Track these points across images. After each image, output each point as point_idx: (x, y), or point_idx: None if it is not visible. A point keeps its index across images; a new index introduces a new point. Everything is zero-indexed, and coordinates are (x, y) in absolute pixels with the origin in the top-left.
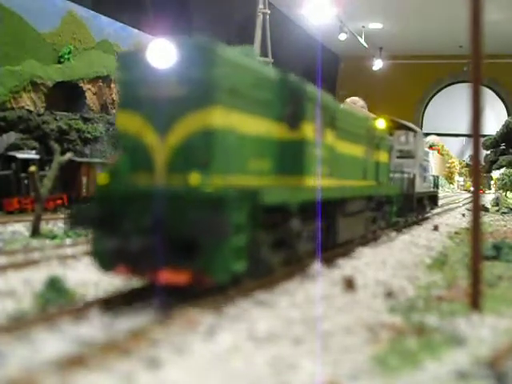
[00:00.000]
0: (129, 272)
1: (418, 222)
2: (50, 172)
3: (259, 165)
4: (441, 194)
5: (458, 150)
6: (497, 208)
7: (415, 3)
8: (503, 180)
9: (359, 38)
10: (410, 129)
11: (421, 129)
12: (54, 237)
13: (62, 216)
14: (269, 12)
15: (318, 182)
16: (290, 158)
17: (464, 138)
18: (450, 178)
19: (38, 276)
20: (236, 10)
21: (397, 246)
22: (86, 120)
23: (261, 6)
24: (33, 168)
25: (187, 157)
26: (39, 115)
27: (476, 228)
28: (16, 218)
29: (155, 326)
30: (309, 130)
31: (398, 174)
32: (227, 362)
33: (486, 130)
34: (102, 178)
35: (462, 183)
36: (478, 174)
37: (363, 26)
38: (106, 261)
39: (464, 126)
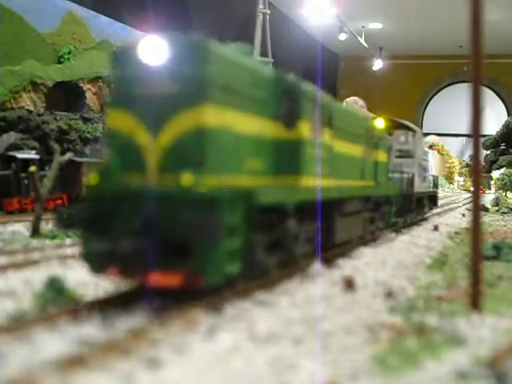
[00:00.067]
0: (120, 274)
1: (417, 222)
2: (50, 172)
3: (254, 164)
4: (441, 194)
5: (457, 149)
6: (497, 208)
7: (415, 3)
8: (503, 180)
9: (359, 38)
10: (409, 128)
11: (421, 129)
12: (53, 237)
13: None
14: (269, 12)
15: (315, 182)
16: (286, 157)
17: (464, 138)
18: (449, 178)
19: (37, 276)
20: (236, 9)
21: (397, 246)
22: (85, 120)
23: (261, 5)
24: (33, 168)
25: (180, 156)
26: (39, 115)
27: (476, 228)
28: (16, 218)
29: (155, 326)
30: (305, 129)
31: (397, 174)
32: (227, 362)
33: (486, 130)
34: (92, 178)
35: (461, 183)
36: (478, 174)
37: (363, 26)
38: (97, 263)
39: (464, 126)
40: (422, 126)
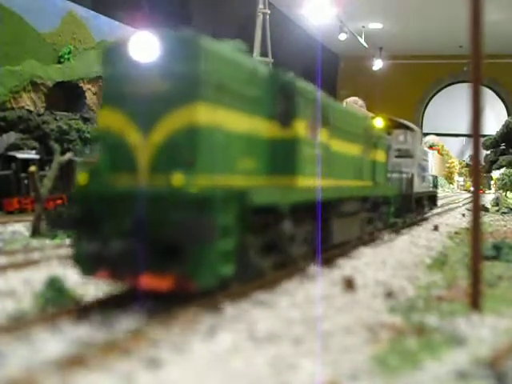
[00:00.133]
0: (110, 277)
1: (417, 223)
2: (50, 172)
3: (248, 164)
4: (441, 194)
5: (457, 149)
6: (497, 208)
7: (415, 3)
8: (503, 180)
9: (359, 38)
10: (408, 128)
11: (421, 129)
12: (54, 237)
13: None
14: (269, 12)
15: (311, 182)
16: (282, 157)
17: (464, 138)
18: (449, 178)
19: (37, 276)
20: (236, 9)
21: (397, 246)
22: (85, 120)
23: (261, 5)
24: (33, 168)
25: (171, 156)
26: (39, 115)
27: (476, 228)
28: (16, 218)
29: (155, 325)
30: (301, 128)
31: (396, 174)
32: (227, 362)
33: (486, 130)
34: (81, 178)
35: (461, 183)
36: (478, 174)
37: (363, 26)
38: (87, 265)
39: (464, 126)
40: (421, 126)
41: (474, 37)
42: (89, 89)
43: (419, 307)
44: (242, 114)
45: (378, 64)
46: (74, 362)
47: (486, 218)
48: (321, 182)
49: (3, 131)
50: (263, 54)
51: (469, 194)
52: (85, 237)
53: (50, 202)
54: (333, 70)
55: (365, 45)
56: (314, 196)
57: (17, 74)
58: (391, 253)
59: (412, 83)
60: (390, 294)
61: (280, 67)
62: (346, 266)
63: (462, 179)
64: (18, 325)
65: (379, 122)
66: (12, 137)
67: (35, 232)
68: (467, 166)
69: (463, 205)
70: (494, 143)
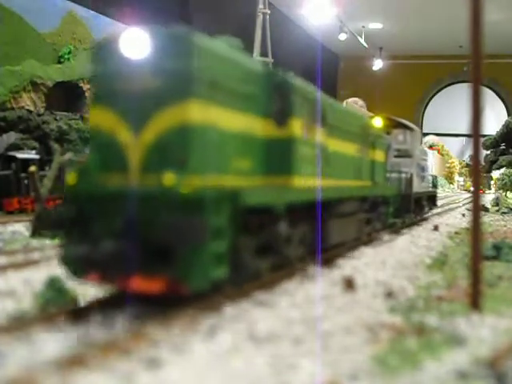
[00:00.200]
0: (100, 279)
1: (417, 223)
2: (50, 172)
3: (243, 164)
4: (441, 194)
5: (457, 150)
6: (497, 208)
7: (415, 3)
8: (503, 180)
9: (359, 38)
10: (407, 127)
11: (421, 129)
12: (54, 237)
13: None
14: (269, 12)
15: (308, 182)
16: (277, 156)
17: (464, 138)
18: (450, 178)
19: (37, 276)
20: (236, 9)
21: (397, 246)
22: (86, 120)
23: (261, 5)
24: (33, 168)
25: (163, 155)
26: (39, 115)
27: (476, 228)
28: (16, 217)
29: (155, 325)
30: (297, 127)
31: (395, 174)
32: (227, 362)
33: (486, 130)
34: (70, 178)
35: (462, 183)
36: (478, 174)
37: (363, 26)
38: (76, 267)
39: (464, 126)
40: (421, 126)
41: (474, 37)
42: (89, 89)
43: (419, 307)
44: (236, 112)
45: (377, 64)
46: (74, 361)
47: (486, 218)
48: (318, 181)
49: (3, 131)
50: (263, 53)
51: (469, 194)
52: (74, 238)
53: (50, 202)
54: (333, 70)
55: (365, 45)
56: (311, 196)
57: (17, 74)
58: (391, 253)
59: (412, 83)
60: (390, 294)
61: (280, 67)
62: (346, 266)
63: (462, 179)
64: (18, 325)
65: (378, 122)
66: (12, 137)
67: (35, 232)
68: (467, 165)
69: (463, 205)
70: (494, 143)
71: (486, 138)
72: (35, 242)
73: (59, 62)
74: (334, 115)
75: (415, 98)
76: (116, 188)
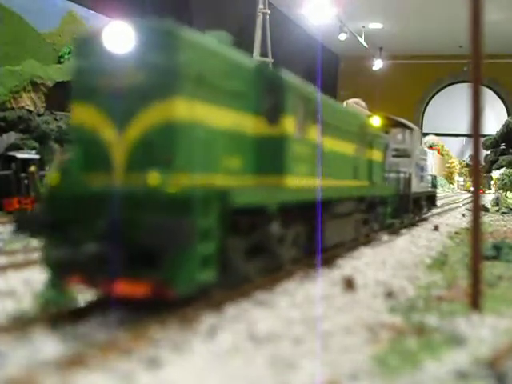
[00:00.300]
0: (83, 283)
1: (416, 223)
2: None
3: (232, 163)
4: (441, 194)
5: (457, 150)
6: (497, 208)
7: (415, 3)
8: (503, 180)
9: (359, 38)
10: (406, 127)
11: (421, 129)
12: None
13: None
14: (269, 12)
15: (301, 181)
16: (269, 155)
17: (464, 138)
18: (449, 178)
19: (37, 276)
20: (236, 9)
21: (397, 246)
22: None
23: (261, 5)
24: (33, 168)
25: (148, 153)
26: (39, 115)
27: (476, 228)
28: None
29: (155, 325)
30: (290, 125)
31: (393, 174)
32: (227, 362)
33: (486, 130)
34: (52, 178)
35: (462, 183)
36: (478, 174)
37: (363, 26)
38: (59, 270)
39: (464, 126)
40: (421, 126)
41: (474, 37)
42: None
43: (419, 307)
44: (225, 109)
45: (378, 64)
46: (74, 361)
47: (486, 218)
48: (312, 181)
49: (3, 131)
50: (263, 54)
51: (469, 194)
52: (55, 240)
53: None
54: (333, 70)
55: (365, 45)
56: (304, 196)
57: (17, 74)
58: (391, 253)
59: (412, 83)
60: (390, 294)
61: (280, 67)
62: (346, 266)
63: (462, 179)
64: (18, 325)
65: (377, 121)
66: (12, 137)
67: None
68: (467, 165)
69: (463, 205)
70: (494, 143)
71: (486, 138)
72: (35, 242)
73: (59, 62)
74: (330, 113)
75: (415, 97)
76: (99, 188)
